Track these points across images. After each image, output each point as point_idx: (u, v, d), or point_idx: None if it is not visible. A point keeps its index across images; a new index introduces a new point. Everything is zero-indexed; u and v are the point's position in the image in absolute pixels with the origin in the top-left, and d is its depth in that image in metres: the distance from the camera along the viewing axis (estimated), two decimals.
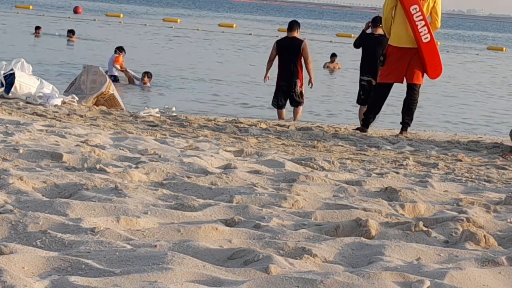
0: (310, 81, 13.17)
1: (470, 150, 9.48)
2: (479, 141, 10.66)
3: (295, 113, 13.23)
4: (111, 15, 53.40)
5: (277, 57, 13.34)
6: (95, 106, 11.20)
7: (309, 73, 13.13)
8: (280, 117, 13.22)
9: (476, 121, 16.01)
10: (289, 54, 13.05)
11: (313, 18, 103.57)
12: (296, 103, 13.19)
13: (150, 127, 9.44)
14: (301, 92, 13.14)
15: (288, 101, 13.23)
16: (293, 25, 13.30)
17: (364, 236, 4.45)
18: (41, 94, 11.07)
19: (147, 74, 17.57)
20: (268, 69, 13.45)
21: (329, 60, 25.73)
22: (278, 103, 13.23)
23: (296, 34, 13.21)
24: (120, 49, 18.39)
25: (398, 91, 13.47)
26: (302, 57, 13.03)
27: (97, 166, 5.95)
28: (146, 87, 17.18)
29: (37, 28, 30.64)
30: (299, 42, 13.08)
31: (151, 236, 4.19)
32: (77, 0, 68.45)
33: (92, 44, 28.44)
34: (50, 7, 59.77)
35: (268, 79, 13.53)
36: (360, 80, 12.66)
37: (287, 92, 13.12)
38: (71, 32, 29.94)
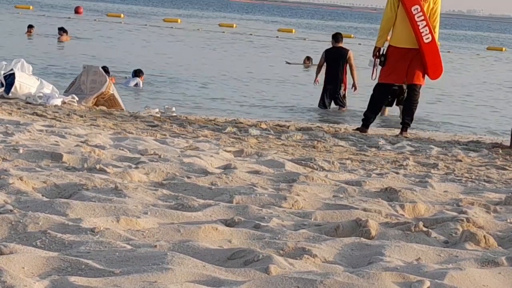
0: (354, 85, 15.17)
1: (470, 150, 9.48)
2: (479, 141, 10.67)
3: (340, 112, 15.21)
4: (112, 15, 53.41)
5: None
6: (95, 106, 11.20)
7: (353, 78, 15.17)
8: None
9: (476, 121, 16.01)
10: (336, 61, 15.22)
11: (313, 18, 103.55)
12: (341, 104, 15.32)
13: (150, 127, 9.44)
14: (344, 95, 15.27)
15: (333, 102, 15.42)
16: (338, 37, 15.65)
17: (364, 236, 4.45)
18: (41, 94, 11.07)
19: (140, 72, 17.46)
20: (317, 74, 15.63)
21: None
22: (324, 104, 15.34)
23: (342, 44, 15.51)
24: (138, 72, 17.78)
25: None
26: (347, 65, 15.19)
27: (97, 166, 5.95)
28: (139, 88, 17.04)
29: (30, 27, 30.29)
30: (345, 51, 15.33)
31: (151, 236, 4.19)
32: (78, 0, 68.45)
33: (85, 44, 28.33)
34: (50, 8, 59.77)
35: (318, 82, 15.65)
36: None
37: (332, 94, 15.27)
38: (62, 30, 29.40)
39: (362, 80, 15.51)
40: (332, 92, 15.24)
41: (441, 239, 4.55)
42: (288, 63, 26.31)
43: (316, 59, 26.12)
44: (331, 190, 5.89)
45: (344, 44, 16.02)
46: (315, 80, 15.69)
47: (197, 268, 3.58)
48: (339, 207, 5.21)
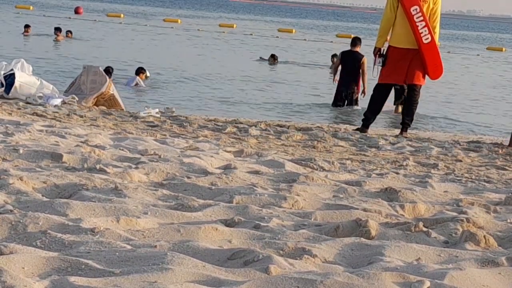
0: (363, 91, 15.46)
1: (470, 150, 9.48)
2: (479, 141, 10.67)
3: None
4: (112, 15, 53.43)
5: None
6: (95, 106, 11.20)
7: (363, 83, 15.59)
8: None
9: (476, 121, 16.01)
10: (350, 64, 15.67)
11: (313, 18, 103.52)
12: (353, 105, 15.74)
13: (150, 128, 9.44)
14: (356, 98, 15.73)
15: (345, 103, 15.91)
16: (355, 41, 16.07)
17: (364, 236, 4.45)
18: (41, 95, 11.07)
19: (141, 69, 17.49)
20: (335, 74, 16.33)
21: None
22: (337, 104, 15.80)
23: (358, 49, 15.86)
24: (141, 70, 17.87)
25: None
26: (360, 69, 15.62)
27: (97, 167, 5.95)
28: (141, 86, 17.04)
29: (26, 26, 30.33)
30: (361, 56, 15.70)
31: (151, 236, 4.19)
32: (78, 0, 68.44)
33: (85, 44, 28.30)
34: (51, 8, 59.77)
35: (337, 80, 16.09)
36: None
37: (346, 96, 15.75)
38: (58, 30, 29.45)
39: (370, 80, 15.63)
40: (346, 94, 15.78)
41: (441, 239, 4.54)
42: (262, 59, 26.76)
43: (283, 57, 27.14)
44: (331, 190, 5.89)
45: (343, 44, 16.43)
46: (334, 79, 16.30)
47: (197, 268, 3.58)
48: (339, 207, 5.21)
